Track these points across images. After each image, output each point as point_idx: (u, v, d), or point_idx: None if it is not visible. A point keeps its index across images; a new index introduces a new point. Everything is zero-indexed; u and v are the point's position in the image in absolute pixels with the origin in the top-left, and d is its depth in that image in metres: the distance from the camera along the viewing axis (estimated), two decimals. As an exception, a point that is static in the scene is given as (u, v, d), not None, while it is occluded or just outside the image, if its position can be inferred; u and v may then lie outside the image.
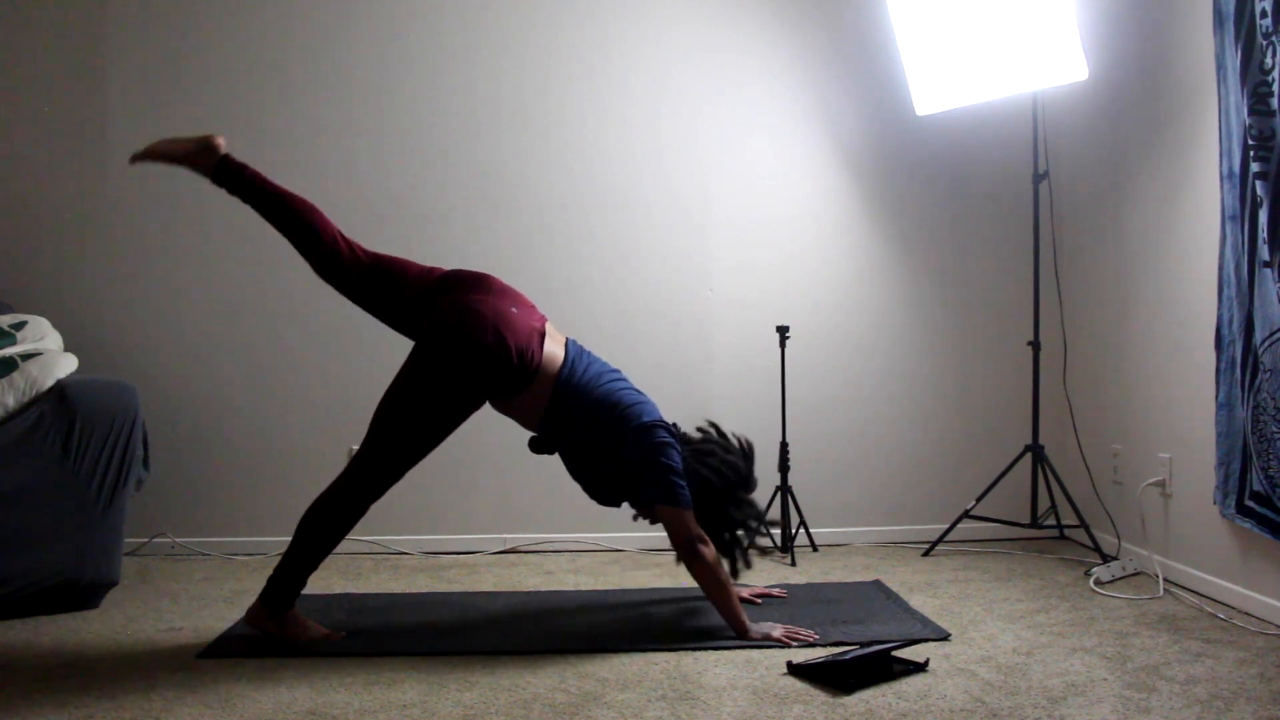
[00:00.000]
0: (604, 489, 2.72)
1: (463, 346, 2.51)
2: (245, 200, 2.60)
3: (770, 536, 2.75)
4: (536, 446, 2.71)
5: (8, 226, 3.66)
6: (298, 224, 2.61)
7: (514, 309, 2.60)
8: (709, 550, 2.56)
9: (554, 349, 2.62)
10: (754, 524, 2.76)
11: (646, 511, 2.72)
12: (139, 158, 2.58)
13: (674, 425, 2.70)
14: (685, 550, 2.56)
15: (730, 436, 2.81)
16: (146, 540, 3.63)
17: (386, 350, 3.73)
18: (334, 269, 2.63)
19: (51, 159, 3.68)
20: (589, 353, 2.71)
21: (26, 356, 2.97)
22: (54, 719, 2.07)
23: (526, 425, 2.69)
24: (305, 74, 3.74)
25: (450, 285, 2.64)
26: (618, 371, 2.72)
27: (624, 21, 3.81)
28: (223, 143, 2.59)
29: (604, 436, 2.60)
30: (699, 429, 2.82)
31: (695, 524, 2.57)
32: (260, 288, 3.72)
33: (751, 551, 2.78)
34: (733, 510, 2.71)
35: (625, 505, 2.77)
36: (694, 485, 2.62)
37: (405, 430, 2.54)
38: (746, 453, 2.79)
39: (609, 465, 2.64)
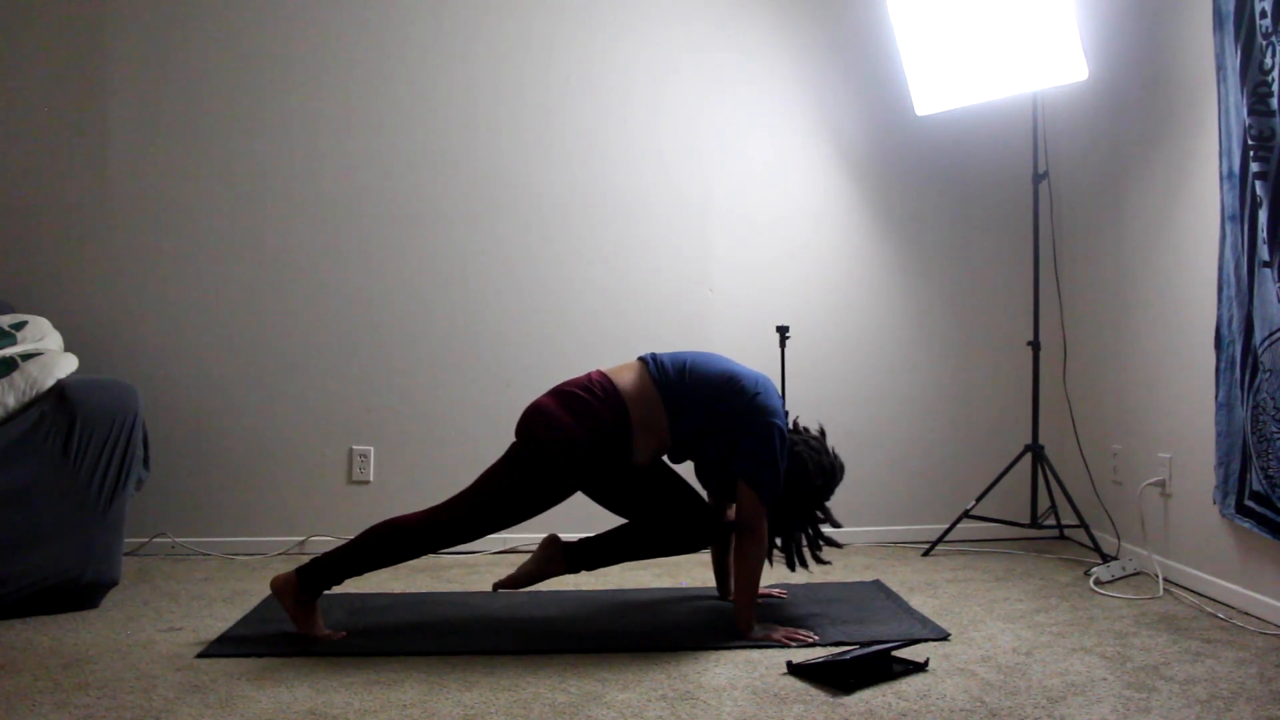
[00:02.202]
0: (721, 471, 2.72)
1: (542, 436, 2.56)
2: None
3: (834, 544, 2.87)
4: (677, 455, 2.75)
5: (8, 226, 3.66)
6: (647, 549, 2.72)
7: (558, 385, 2.68)
8: (762, 543, 2.60)
9: (627, 373, 2.66)
10: (825, 529, 2.81)
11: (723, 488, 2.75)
12: (502, 585, 2.71)
13: (786, 412, 2.76)
14: (745, 528, 2.57)
15: (831, 449, 2.83)
16: (146, 540, 3.63)
17: (386, 350, 3.75)
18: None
19: (51, 160, 3.68)
20: (665, 352, 2.75)
21: (26, 356, 2.96)
22: (54, 719, 2.07)
23: (664, 448, 2.70)
24: (305, 75, 3.74)
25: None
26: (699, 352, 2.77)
27: (624, 21, 3.81)
28: (558, 538, 2.73)
29: (726, 411, 2.61)
30: (809, 428, 2.84)
31: (765, 521, 2.60)
32: (260, 288, 3.72)
33: (809, 555, 2.82)
34: (814, 509, 2.76)
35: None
36: (793, 469, 2.67)
37: (512, 507, 2.61)
38: (840, 468, 2.82)
39: (727, 440, 2.65)
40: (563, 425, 2.55)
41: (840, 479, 2.80)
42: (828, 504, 2.80)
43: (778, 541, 2.78)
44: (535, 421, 2.61)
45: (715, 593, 3.02)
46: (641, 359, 2.71)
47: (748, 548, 2.57)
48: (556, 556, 2.72)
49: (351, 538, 2.65)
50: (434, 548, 2.62)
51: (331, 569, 2.59)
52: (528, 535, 3.70)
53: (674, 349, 3.75)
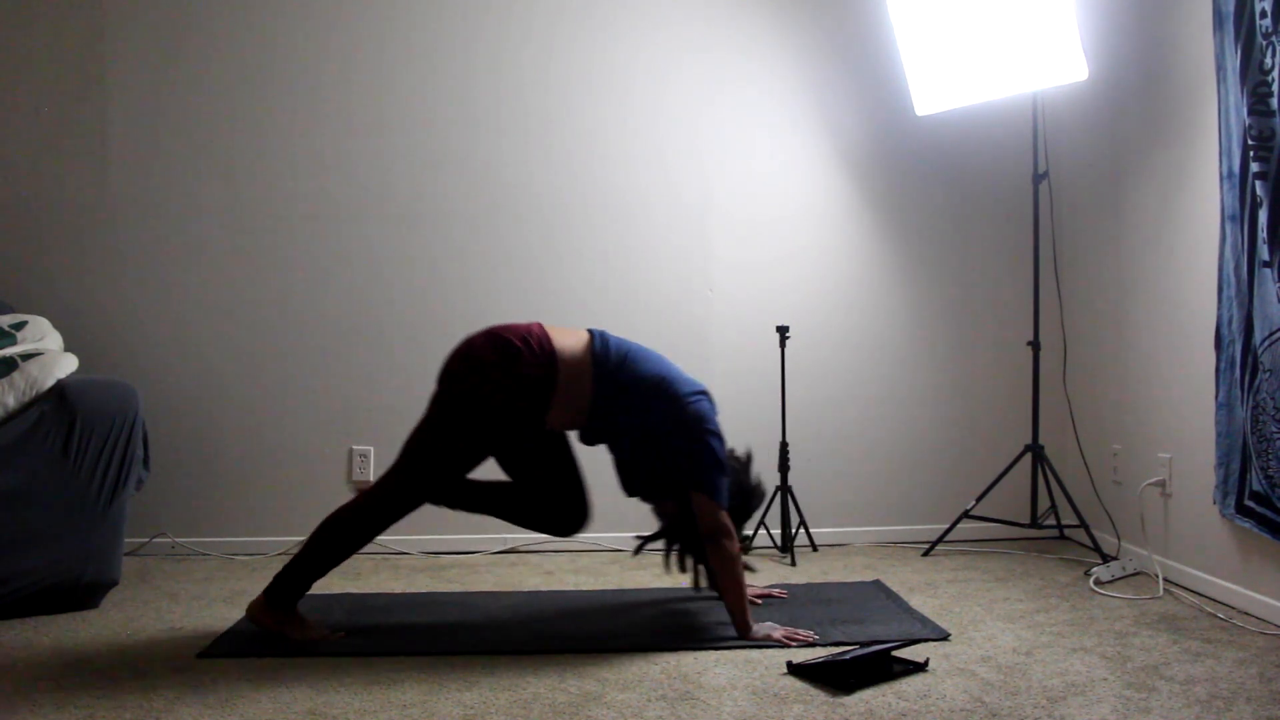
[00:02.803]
0: (641, 475, 2.71)
1: (472, 373, 2.54)
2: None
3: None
4: (588, 438, 2.73)
5: (8, 226, 3.66)
6: (516, 515, 2.77)
7: (498, 324, 2.64)
8: (733, 545, 2.57)
9: (570, 336, 2.63)
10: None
11: (667, 496, 2.71)
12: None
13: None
14: (711, 538, 2.56)
15: (755, 473, 2.81)
16: (146, 540, 3.63)
17: (386, 350, 3.75)
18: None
19: (51, 159, 3.68)
20: (615, 335, 2.71)
21: (26, 356, 2.97)
22: (54, 719, 2.07)
23: (577, 422, 2.67)
24: (305, 75, 3.74)
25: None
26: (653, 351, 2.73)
27: (624, 21, 3.80)
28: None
29: (656, 416, 2.59)
30: (734, 449, 2.80)
31: (728, 519, 2.58)
32: (260, 288, 3.72)
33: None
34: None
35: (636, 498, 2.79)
36: None
37: (439, 462, 2.59)
38: (761, 494, 2.81)
39: (654, 447, 2.63)
40: (487, 370, 2.53)
41: (759, 504, 2.79)
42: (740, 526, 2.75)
43: (687, 559, 2.74)
44: (460, 365, 2.58)
45: (715, 593, 3.01)
46: (591, 331, 2.68)
47: (722, 552, 2.55)
48: None
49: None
50: (380, 524, 2.59)
51: (294, 579, 2.58)
52: (527, 535, 3.71)
53: (674, 349, 3.75)
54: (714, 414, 2.64)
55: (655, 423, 2.60)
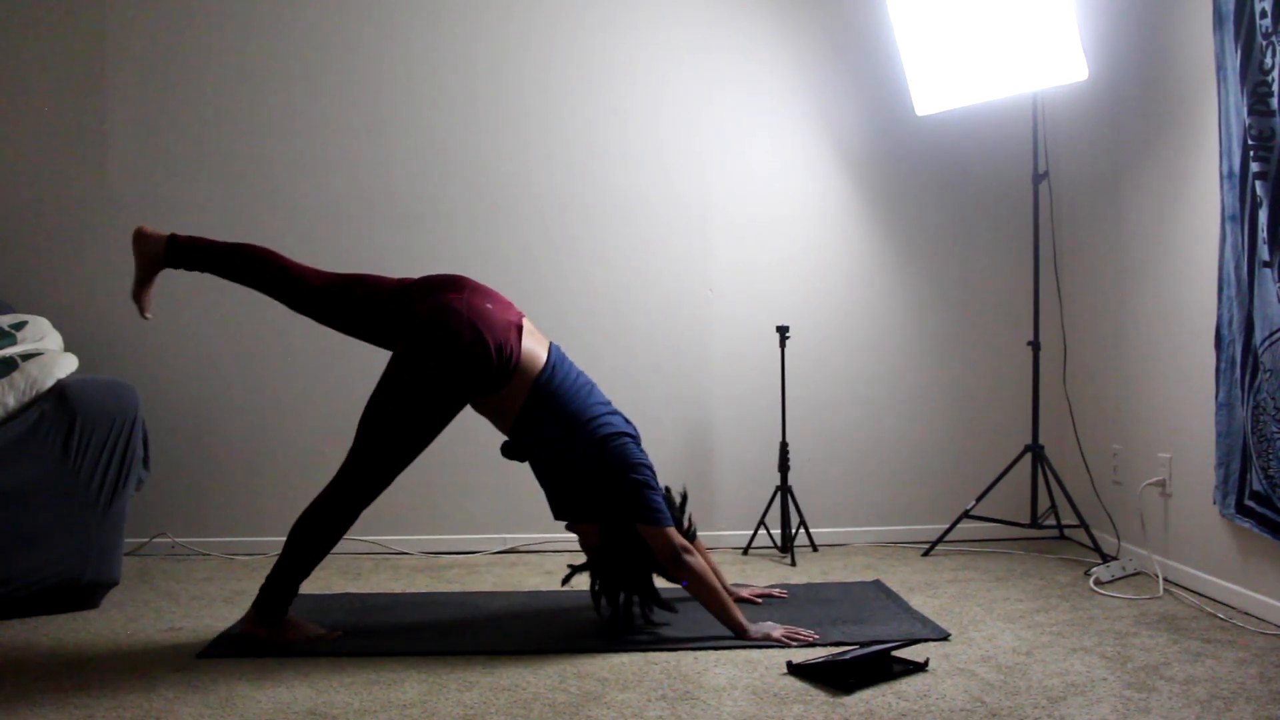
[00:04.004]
0: (570, 502, 2.69)
1: (441, 346, 2.51)
2: (206, 269, 2.66)
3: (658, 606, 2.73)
4: (508, 451, 2.71)
5: (8, 226, 3.67)
6: (260, 268, 2.66)
7: (489, 305, 2.60)
8: (695, 560, 2.57)
9: (534, 348, 2.62)
10: (649, 599, 2.71)
11: (590, 521, 2.69)
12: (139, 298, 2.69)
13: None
14: (672, 565, 2.56)
15: (688, 515, 2.78)
16: (146, 540, 3.63)
17: (386, 350, 3.74)
18: (306, 297, 2.65)
19: (51, 159, 3.68)
20: (571, 361, 2.71)
21: (26, 356, 2.97)
22: (54, 719, 2.08)
23: (500, 427, 2.68)
24: (305, 74, 3.74)
25: (424, 289, 2.65)
26: (596, 386, 2.71)
27: (624, 21, 3.80)
28: (149, 229, 2.67)
29: (576, 447, 2.59)
30: (670, 487, 2.76)
31: (678, 535, 2.59)
32: (260, 288, 3.72)
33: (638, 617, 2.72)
34: (649, 577, 2.68)
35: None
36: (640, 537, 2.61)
37: (390, 436, 2.55)
38: (692, 536, 2.75)
39: (578, 478, 2.63)
40: (459, 347, 2.49)
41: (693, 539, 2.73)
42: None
43: (604, 600, 2.68)
44: (439, 325, 2.52)
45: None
46: (550, 350, 2.65)
47: (686, 571, 2.54)
48: (156, 246, 2.66)
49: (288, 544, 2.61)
50: (354, 507, 2.57)
51: (280, 586, 2.56)
52: (527, 535, 3.71)
53: (674, 349, 3.79)
54: (639, 453, 2.63)
55: (572, 458, 2.60)
